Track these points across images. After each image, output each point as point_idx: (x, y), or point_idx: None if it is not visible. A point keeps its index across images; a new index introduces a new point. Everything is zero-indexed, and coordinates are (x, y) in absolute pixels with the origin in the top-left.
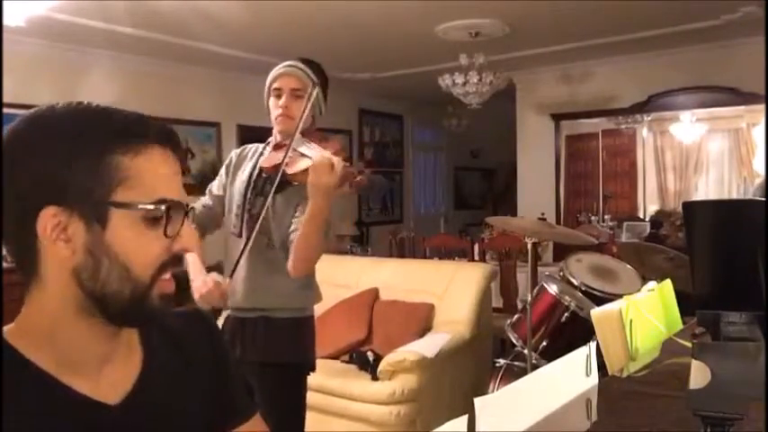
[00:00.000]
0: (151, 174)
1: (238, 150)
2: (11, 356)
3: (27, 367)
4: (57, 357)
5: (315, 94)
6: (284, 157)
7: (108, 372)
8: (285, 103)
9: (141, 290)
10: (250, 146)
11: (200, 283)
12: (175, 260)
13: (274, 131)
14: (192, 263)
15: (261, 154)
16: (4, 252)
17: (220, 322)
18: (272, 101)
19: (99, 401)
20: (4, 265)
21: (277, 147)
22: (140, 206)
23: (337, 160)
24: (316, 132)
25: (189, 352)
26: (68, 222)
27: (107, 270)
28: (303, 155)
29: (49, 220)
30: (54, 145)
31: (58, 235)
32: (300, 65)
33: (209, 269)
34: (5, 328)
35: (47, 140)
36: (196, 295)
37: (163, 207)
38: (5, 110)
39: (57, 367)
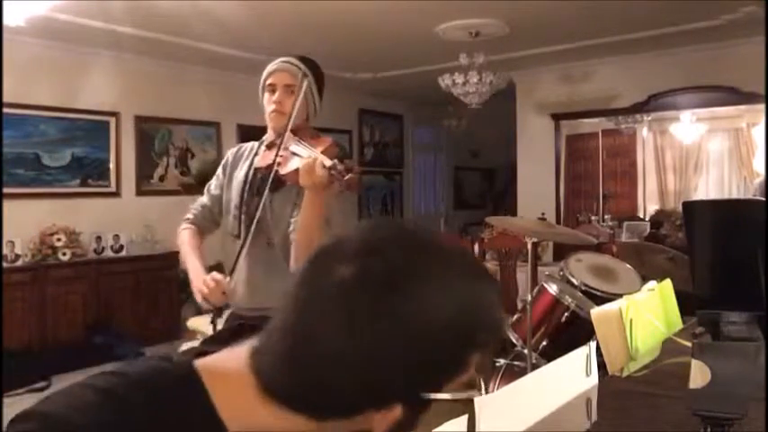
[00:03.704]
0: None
1: (234, 149)
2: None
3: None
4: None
5: (305, 85)
6: (275, 157)
7: None
8: (278, 99)
9: None
10: (246, 144)
11: (201, 282)
12: None
13: (269, 128)
14: (192, 263)
15: (256, 153)
16: (5, 252)
17: (222, 321)
18: (266, 97)
19: None
20: (4, 264)
21: (271, 145)
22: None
23: (324, 159)
24: (308, 130)
25: None
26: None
27: None
28: (294, 154)
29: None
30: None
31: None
32: (294, 60)
33: (209, 269)
34: (201, 361)
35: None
36: (198, 296)
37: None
38: (5, 110)
39: None
